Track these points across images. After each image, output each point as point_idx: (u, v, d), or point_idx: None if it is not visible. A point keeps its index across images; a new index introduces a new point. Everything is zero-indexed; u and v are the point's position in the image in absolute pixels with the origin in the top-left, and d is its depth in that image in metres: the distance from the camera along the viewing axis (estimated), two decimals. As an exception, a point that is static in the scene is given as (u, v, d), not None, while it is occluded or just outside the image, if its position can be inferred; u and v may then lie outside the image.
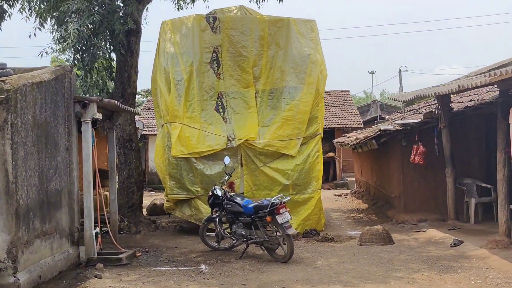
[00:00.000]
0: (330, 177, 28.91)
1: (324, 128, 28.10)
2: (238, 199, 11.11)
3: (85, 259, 10.32)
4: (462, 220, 13.87)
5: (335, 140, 24.46)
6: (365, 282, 8.64)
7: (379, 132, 14.45)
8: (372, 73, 64.77)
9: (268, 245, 10.59)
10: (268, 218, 10.29)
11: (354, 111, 31.66)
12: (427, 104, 21.45)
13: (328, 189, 27.11)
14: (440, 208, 14.62)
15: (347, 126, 29.33)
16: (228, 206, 11.15)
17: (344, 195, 23.28)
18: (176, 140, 13.55)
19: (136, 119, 17.16)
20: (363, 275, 9.10)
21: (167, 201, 14.21)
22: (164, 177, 13.96)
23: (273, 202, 10.29)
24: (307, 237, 13.11)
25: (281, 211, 10.25)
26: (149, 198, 21.28)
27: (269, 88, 14.05)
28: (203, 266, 10.24)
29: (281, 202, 10.29)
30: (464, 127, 14.64)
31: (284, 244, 10.40)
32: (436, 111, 14.03)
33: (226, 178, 11.82)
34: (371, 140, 14.61)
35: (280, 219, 10.21)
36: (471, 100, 15.21)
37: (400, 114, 23.50)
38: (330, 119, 29.76)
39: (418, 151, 13.96)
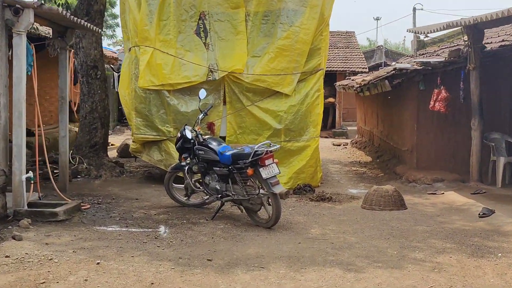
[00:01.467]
0: (328, 125, 26.61)
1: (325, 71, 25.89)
2: (213, 144, 8.68)
3: (11, 211, 8.00)
4: (486, 182, 11.53)
5: (338, 83, 21.94)
6: (373, 265, 6.32)
7: (393, 72, 11.94)
8: (377, 19, 61.75)
9: (248, 204, 8.23)
10: (250, 171, 7.89)
11: (359, 54, 29.00)
12: (442, 48, 18.85)
13: (326, 137, 24.83)
14: (459, 166, 12.28)
15: (351, 70, 26.70)
16: (200, 152, 8.74)
17: (344, 145, 20.90)
18: (145, 67, 11.03)
19: (118, 50, 14.43)
20: (369, 254, 6.78)
21: (133, 142, 11.80)
22: (130, 112, 11.50)
23: (256, 151, 7.87)
24: (299, 194, 10.77)
25: (266, 162, 7.84)
26: (125, 138, 18.90)
27: (263, 10, 11.39)
28: (162, 229, 7.92)
29: (267, 151, 7.86)
30: (495, 71, 12.16)
31: (269, 204, 8.04)
32: (465, 49, 11.50)
33: (200, 116, 9.36)
34: (383, 81, 12.11)
35: (264, 173, 7.82)
36: (503, 41, 12.70)
37: (412, 58, 20.86)
38: (332, 61, 27.10)
39: (440, 97, 11.51)
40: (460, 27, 11.48)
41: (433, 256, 6.68)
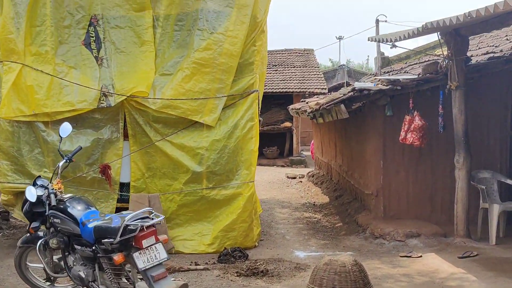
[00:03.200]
0: (285, 152, 23.86)
1: (280, 92, 23.03)
2: (75, 209, 5.63)
3: None
4: (475, 237, 8.73)
5: (290, 107, 19.13)
6: None
7: (351, 93, 9.11)
8: (340, 38, 59.50)
9: (123, 306, 5.23)
10: (118, 258, 4.89)
11: (318, 73, 26.24)
12: (411, 64, 16.24)
13: (282, 166, 22.21)
14: (438, 214, 9.59)
15: (309, 90, 24.00)
16: (55, 220, 5.72)
17: (300, 178, 18.02)
18: (9, 91, 8.08)
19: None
20: None
21: (2, 192, 8.74)
22: (-7, 152, 8.46)
23: (128, 225, 4.88)
24: (225, 262, 7.82)
25: (144, 243, 4.85)
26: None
27: (176, 13, 8.48)
28: None
29: (142, 226, 4.87)
30: (482, 91, 9.47)
31: (156, 306, 5.03)
32: (444, 63, 8.77)
33: (60, 164, 6.28)
34: (339, 105, 9.27)
35: (141, 261, 4.83)
36: (487, 53, 10.07)
37: (375, 77, 18.15)
38: (288, 81, 24.40)
39: (413, 126, 8.74)
40: (436, 34, 8.74)
41: None
